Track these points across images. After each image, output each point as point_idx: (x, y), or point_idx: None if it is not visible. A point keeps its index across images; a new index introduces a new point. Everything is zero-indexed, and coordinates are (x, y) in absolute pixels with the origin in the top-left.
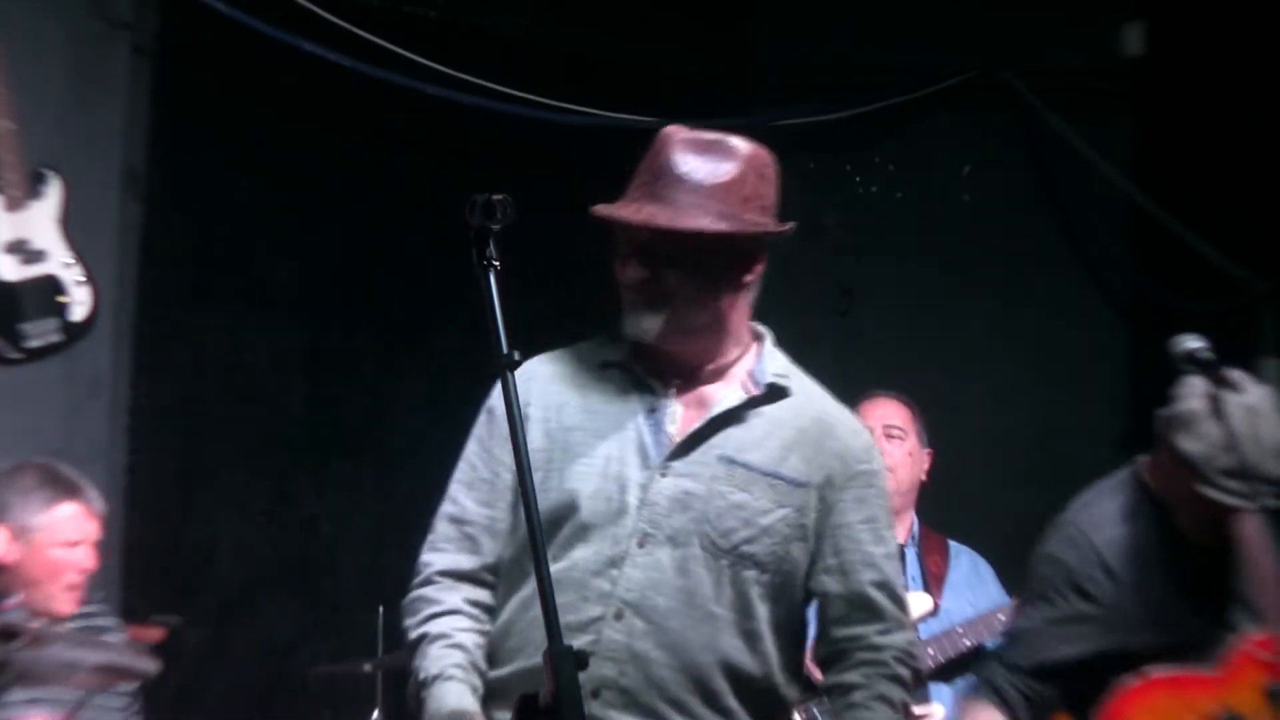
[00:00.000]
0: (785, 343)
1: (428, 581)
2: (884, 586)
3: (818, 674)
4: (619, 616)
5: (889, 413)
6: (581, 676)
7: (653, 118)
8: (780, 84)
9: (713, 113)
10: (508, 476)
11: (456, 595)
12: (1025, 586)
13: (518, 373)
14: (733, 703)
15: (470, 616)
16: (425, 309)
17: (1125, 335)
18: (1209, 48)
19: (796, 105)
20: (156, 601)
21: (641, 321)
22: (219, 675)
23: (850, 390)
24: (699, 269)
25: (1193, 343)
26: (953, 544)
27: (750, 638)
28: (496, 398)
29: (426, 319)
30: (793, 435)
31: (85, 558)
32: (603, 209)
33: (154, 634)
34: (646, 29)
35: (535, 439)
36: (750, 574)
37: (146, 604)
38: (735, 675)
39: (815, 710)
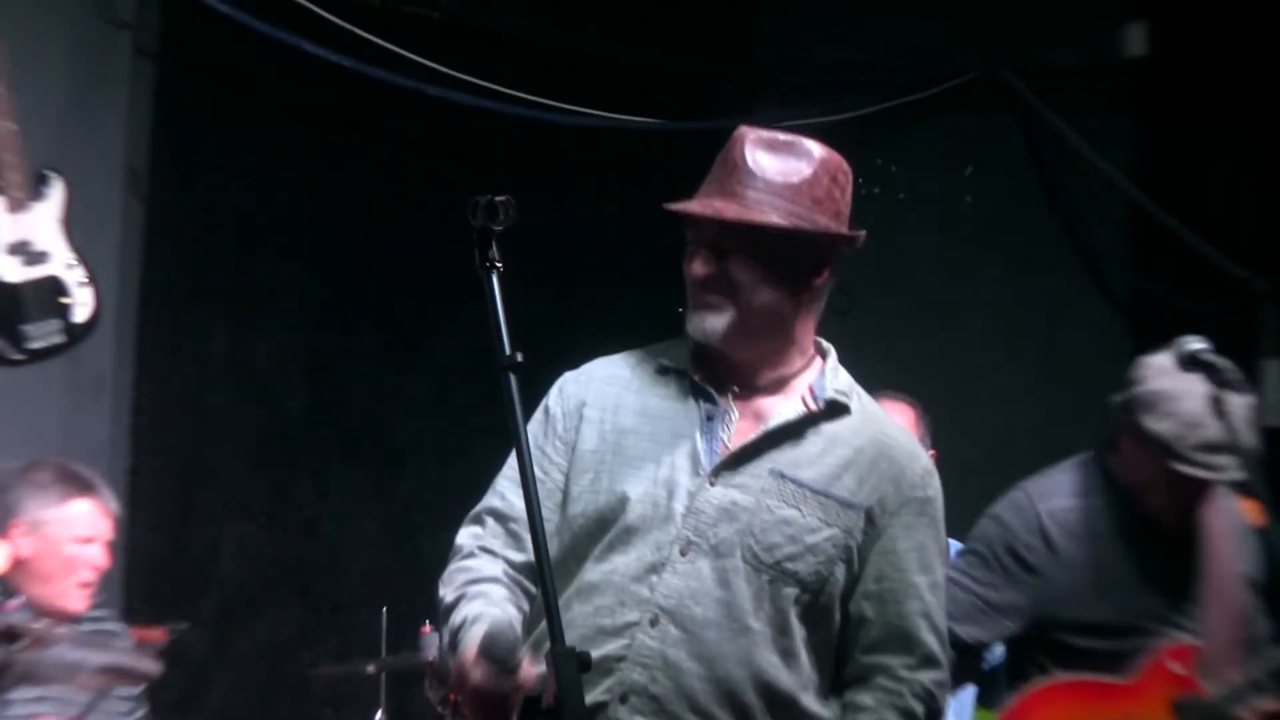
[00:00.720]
0: None
1: (470, 555)
2: (926, 617)
3: None
4: (654, 623)
5: (893, 415)
6: (610, 680)
7: (654, 119)
8: (781, 85)
9: (714, 114)
10: (559, 477)
11: (497, 567)
12: (969, 538)
13: (578, 374)
14: (764, 705)
15: (509, 588)
16: (426, 310)
17: (1126, 335)
18: (1210, 48)
19: (797, 106)
20: (158, 603)
21: (706, 321)
22: (221, 676)
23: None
24: (766, 266)
25: (1194, 343)
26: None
27: (786, 655)
28: (554, 399)
29: (428, 320)
30: (849, 455)
31: (98, 555)
32: (674, 204)
33: (157, 636)
34: (647, 29)
35: (589, 440)
36: (791, 591)
37: (149, 605)
38: (769, 692)
39: None
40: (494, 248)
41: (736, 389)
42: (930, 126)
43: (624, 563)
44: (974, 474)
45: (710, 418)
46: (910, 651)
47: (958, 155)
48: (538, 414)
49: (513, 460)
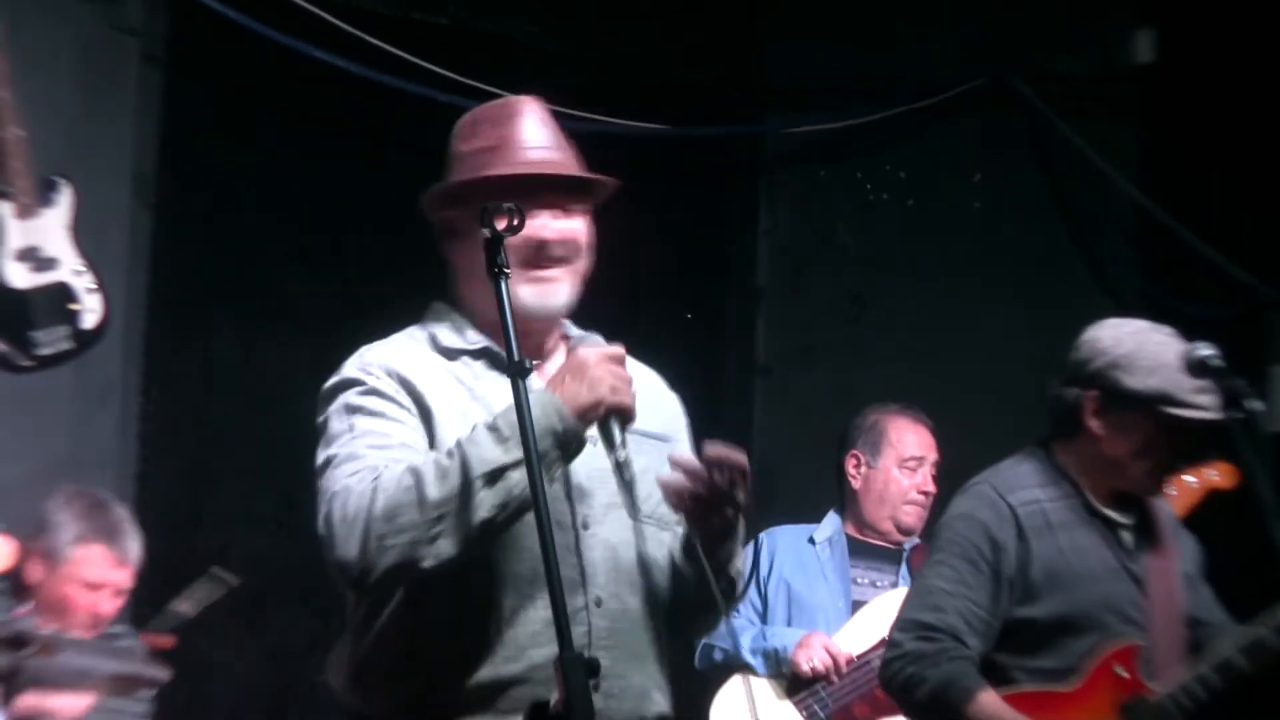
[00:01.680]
0: (796, 349)
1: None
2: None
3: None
4: (599, 603)
5: (911, 431)
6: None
7: (664, 125)
8: (790, 91)
9: (723, 120)
10: (421, 439)
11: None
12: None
13: (371, 356)
14: (670, 668)
15: None
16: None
17: None
18: (1219, 54)
19: (807, 113)
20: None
21: (553, 294)
22: (229, 684)
23: (861, 396)
24: (588, 223)
25: (1202, 350)
26: None
27: (670, 595)
28: (371, 380)
29: None
30: (642, 395)
31: (103, 602)
32: (499, 171)
33: (165, 642)
34: (656, 36)
35: (445, 417)
36: (665, 535)
37: (157, 612)
38: (668, 640)
39: (814, 704)
40: (503, 253)
41: (536, 360)
42: (939, 133)
43: (536, 547)
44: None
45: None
46: None
47: (966, 162)
48: (353, 399)
49: (355, 441)
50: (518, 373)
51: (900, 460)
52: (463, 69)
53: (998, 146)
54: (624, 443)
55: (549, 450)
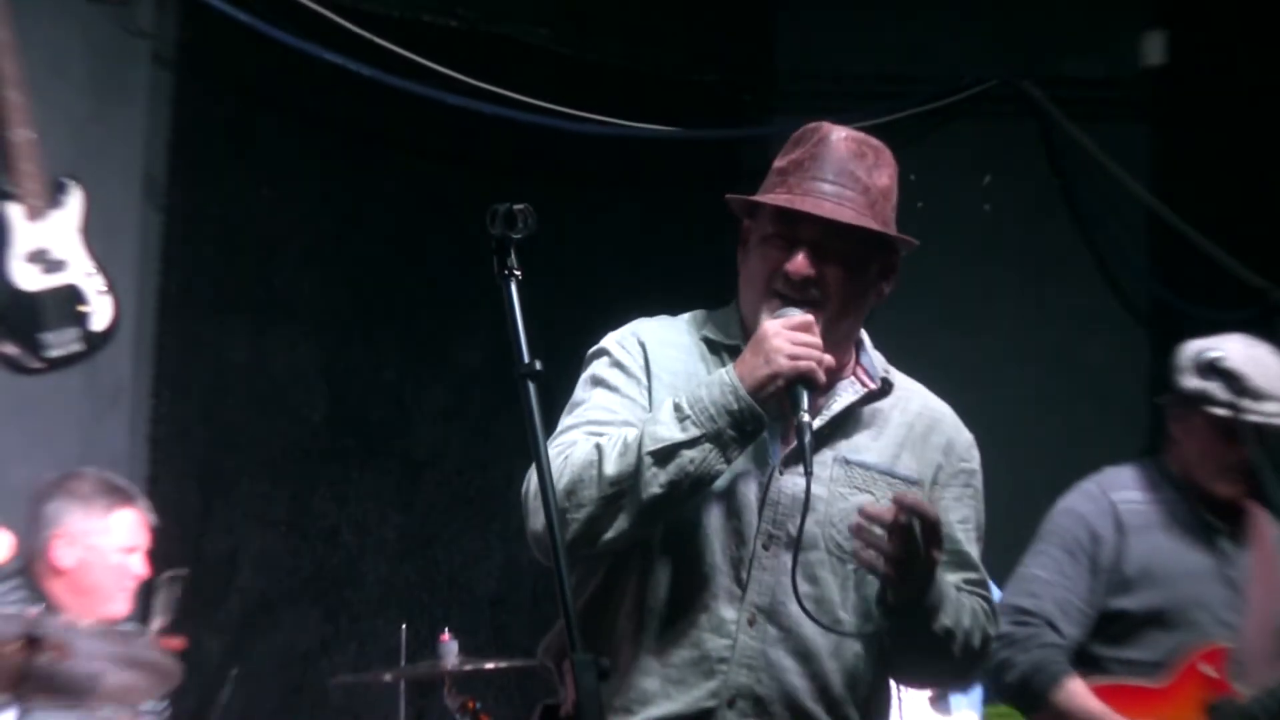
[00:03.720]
0: None
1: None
2: (980, 585)
3: None
4: (752, 622)
5: None
6: (715, 683)
7: (673, 127)
8: (800, 94)
9: (733, 122)
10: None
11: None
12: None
13: (634, 330)
14: (852, 712)
15: None
16: (446, 318)
17: (1144, 344)
18: (1229, 57)
19: (816, 115)
20: (178, 612)
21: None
22: (240, 685)
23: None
24: (857, 273)
25: (1213, 352)
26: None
27: (868, 643)
28: (617, 351)
29: (447, 329)
30: (903, 431)
31: (139, 564)
32: (772, 198)
33: (176, 644)
34: (667, 39)
35: (660, 395)
36: (873, 578)
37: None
38: (854, 683)
39: None
40: (512, 256)
41: (817, 391)
42: (949, 135)
43: (709, 554)
44: (992, 482)
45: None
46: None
47: (977, 164)
48: (602, 370)
49: (586, 414)
50: (527, 376)
51: None
52: (472, 71)
53: (1008, 149)
54: (809, 409)
55: (725, 429)
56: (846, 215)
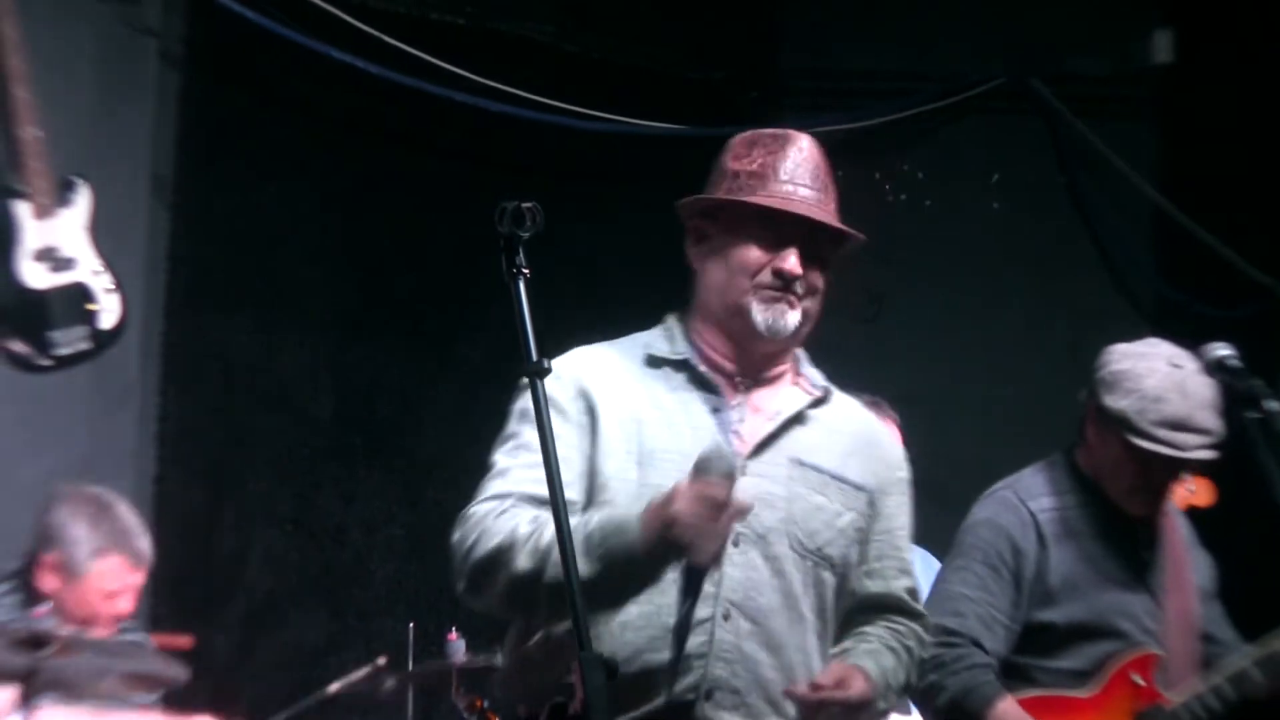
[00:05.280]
0: (814, 349)
1: (488, 499)
2: (914, 593)
3: None
4: (727, 617)
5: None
6: (693, 678)
7: (679, 125)
8: (807, 91)
9: (739, 120)
10: (581, 463)
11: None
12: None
13: (565, 361)
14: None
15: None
16: (454, 317)
17: None
18: (1236, 55)
19: (823, 113)
20: (185, 610)
21: (786, 317)
22: (247, 684)
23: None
24: (826, 268)
25: (1220, 350)
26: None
27: (822, 639)
28: (552, 385)
29: (455, 327)
30: (848, 440)
31: (123, 604)
32: (767, 200)
33: (183, 642)
34: (673, 36)
35: (608, 426)
36: (827, 575)
37: (175, 613)
38: (812, 675)
39: None
40: (520, 254)
41: (747, 380)
42: (957, 133)
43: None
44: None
45: (718, 409)
46: (907, 615)
47: (984, 162)
48: (527, 402)
49: (518, 456)
50: (535, 374)
51: None
52: (479, 69)
53: (1016, 147)
54: (696, 604)
55: (622, 567)
56: (833, 219)
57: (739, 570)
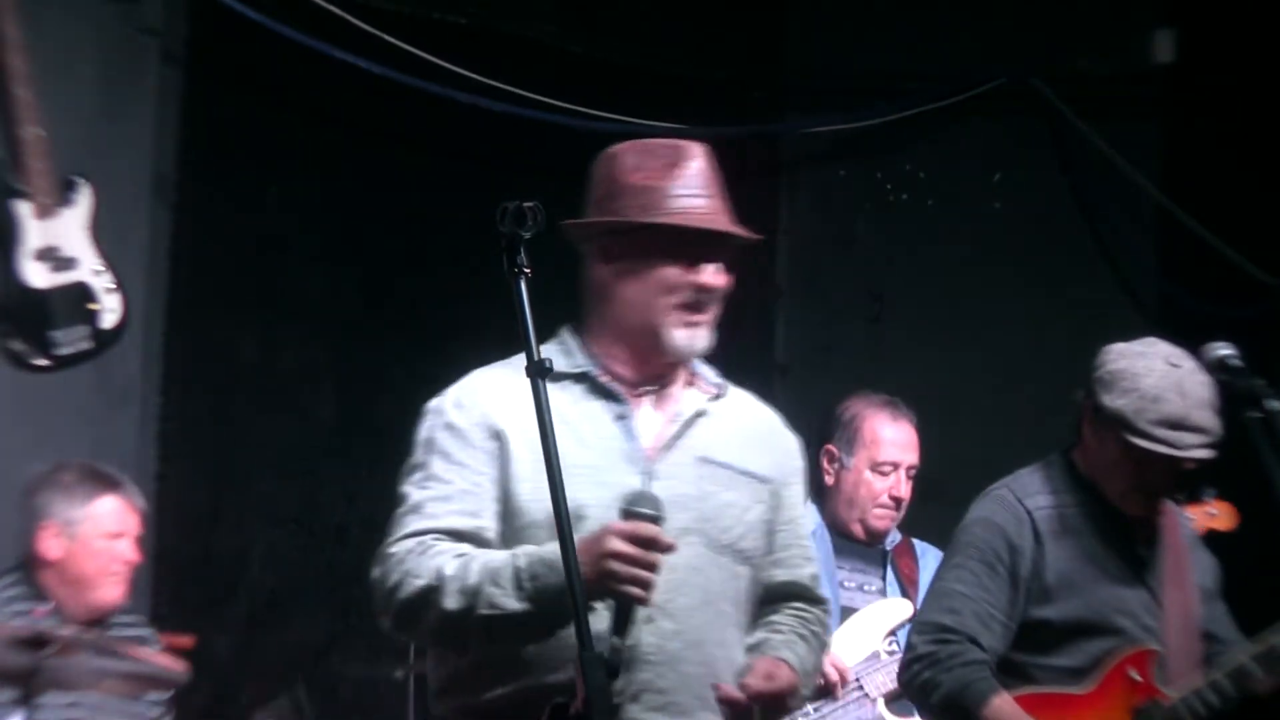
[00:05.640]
0: (817, 349)
1: (407, 537)
2: (817, 579)
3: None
4: (649, 620)
5: (900, 443)
6: (621, 681)
7: (684, 125)
8: (810, 91)
9: (742, 120)
10: (491, 488)
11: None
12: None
13: (465, 388)
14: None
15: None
16: (455, 317)
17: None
18: (1239, 55)
19: (827, 113)
20: (187, 609)
21: (700, 337)
22: (249, 682)
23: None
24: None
25: (1222, 349)
26: (917, 543)
27: (740, 630)
28: (451, 414)
29: (457, 327)
30: (749, 434)
31: (128, 549)
32: (703, 221)
33: (185, 642)
34: (676, 36)
35: (516, 447)
36: (743, 569)
37: (177, 612)
38: (734, 668)
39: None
40: (522, 254)
41: (650, 387)
42: (959, 133)
43: None
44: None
45: (621, 416)
46: (811, 601)
47: (986, 161)
48: (438, 434)
49: (427, 482)
50: (538, 373)
51: (873, 463)
52: (482, 69)
53: (1018, 146)
54: (628, 633)
55: (553, 603)
56: (744, 229)
57: (660, 574)
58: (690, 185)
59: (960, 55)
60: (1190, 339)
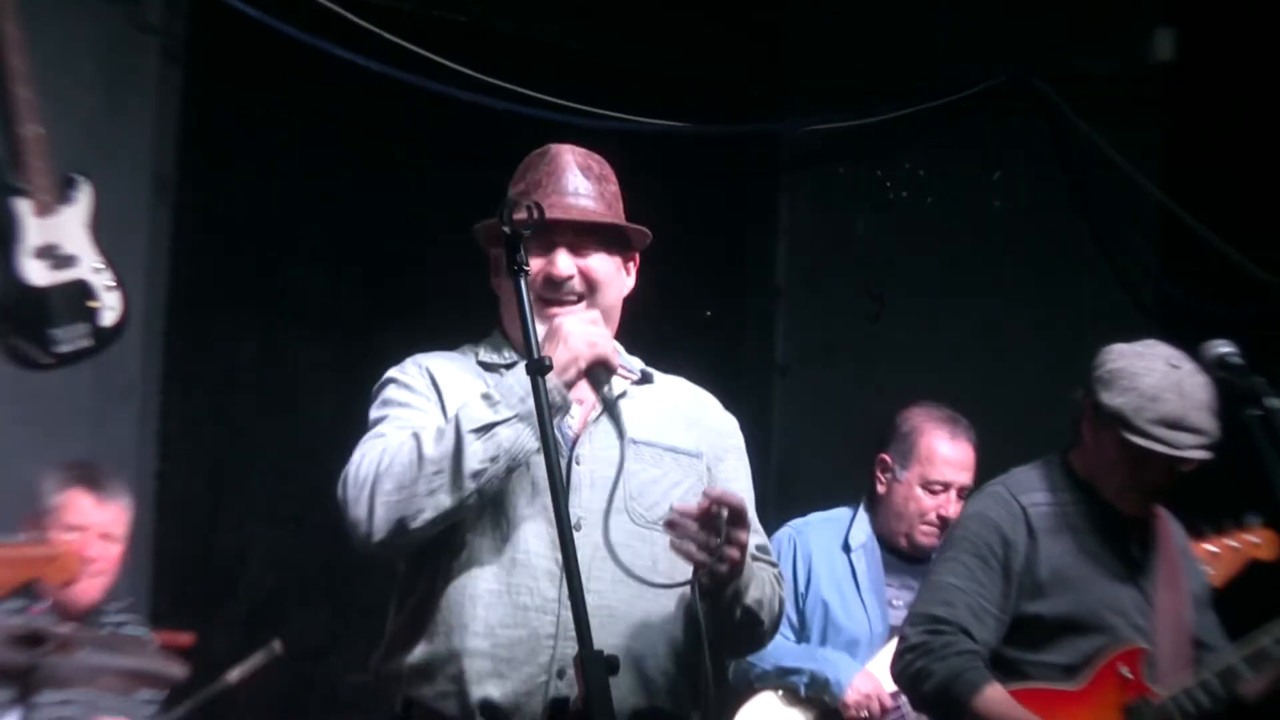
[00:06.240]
0: (816, 347)
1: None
2: (766, 550)
3: None
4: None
5: (955, 461)
6: (546, 658)
7: (684, 123)
8: (809, 90)
9: (742, 118)
10: (439, 416)
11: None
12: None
13: (411, 361)
14: (670, 666)
15: None
16: (456, 314)
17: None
18: (1239, 54)
19: (825, 111)
20: (186, 608)
21: None
22: (247, 683)
23: (881, 395)
24: (611, 265)
25: (1222, 347)
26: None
27: (672, 606)
28: (402, 376)
29: (457, 325)
30: (675, 414)
31: (88, 545)
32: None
33: (183, 640)
34: (676, 35)
35: (453, 407)
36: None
37: (176, 610)
38: (673, 639)
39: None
40: (521, 251)
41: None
42: (959, 131)
43: (529, 542)
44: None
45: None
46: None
47: (986, 160)
48: (391, 390)
49: (396, 419)
50: (537, 370)
51: (925, 480)
52: (482, 66)
53: (1017, 145)
54: (610, 389)
55: (524, 403)
56: (592, 213)
57: (582, 551)
58: (549, 183)
59: (960, 54)
60: (1190, 338)
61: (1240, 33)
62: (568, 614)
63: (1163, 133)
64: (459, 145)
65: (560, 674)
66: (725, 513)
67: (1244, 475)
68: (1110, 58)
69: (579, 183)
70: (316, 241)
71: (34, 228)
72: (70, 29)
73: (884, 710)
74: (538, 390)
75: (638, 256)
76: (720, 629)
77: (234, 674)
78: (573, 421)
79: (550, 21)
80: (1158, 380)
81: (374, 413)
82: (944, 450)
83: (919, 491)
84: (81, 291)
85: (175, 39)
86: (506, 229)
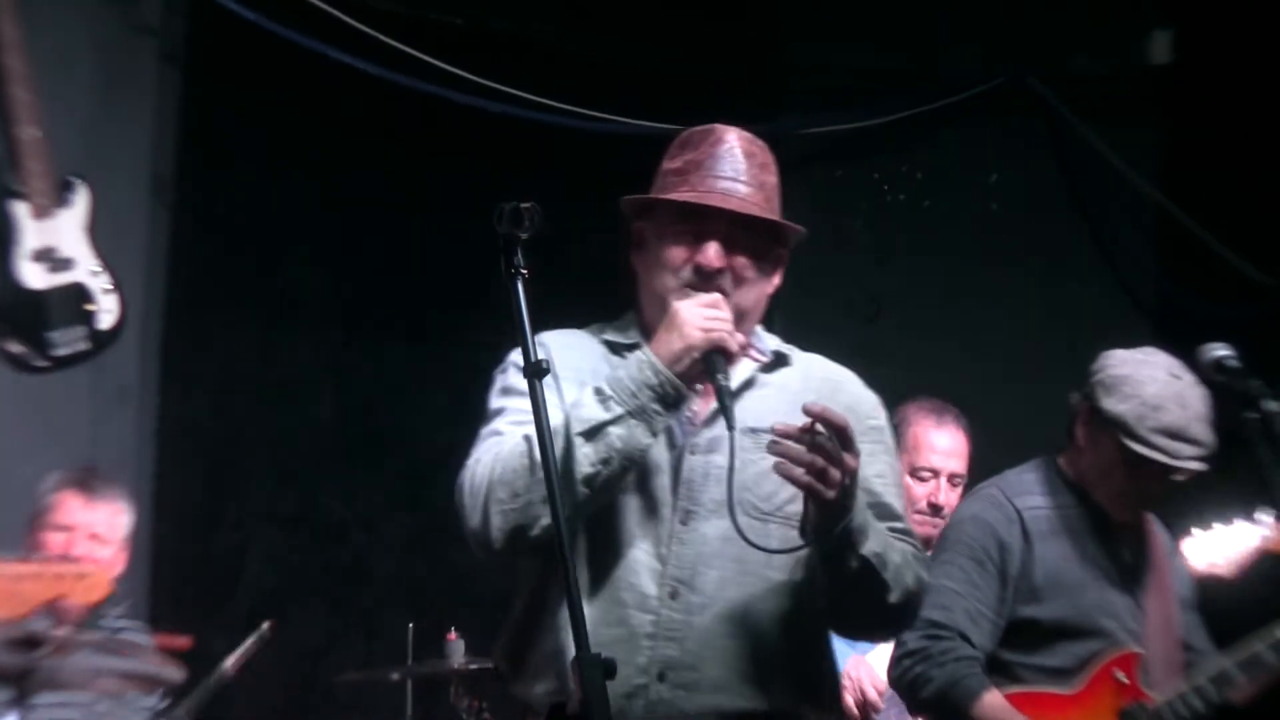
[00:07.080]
0: (814, 350)
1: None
2: (906, 534)
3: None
4: (674, 595)
5: (944, 449)
6: (645, 659)
7: (680, 125)
8: (808, 91)
9: (739, 120)
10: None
11: None
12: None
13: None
14: (786, 665)
15: None
16: (453, 317)
17: (1153, 343)
18: (1236, 55)
19: (822, 112)
20: (185, 609)
21: None
22: (247, 682)
23: (879, 397)
24: (761, 263)
25: (1219, 350)
26: None
27: (796, 600)
28: (519, 354)
29: (454, 327)
30: (806, 396)
31: (75, 544)
32: (685, 196)
33: (181, 642)
34: (672, 36)
35: (567, 387)
36: (791, 533)
37: (175, 612)
38: (791, 636)
39: None
40: (519, 254)
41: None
42: (956, 133)
43: (630, 539)
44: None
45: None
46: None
47: (983, 162)
48: (510, 378)
49: (500, 418)
50: (534, 374)
51: (913, 468)
52: (479, 69)
53: (1015, 147)
54: (727, 375)
55: (648, 404)
56: (754, 208)
57: (688, 548)
58: (709, 167)
59: (958, 55)
60: (1189, 339)
61: (1238, 33)
62: (668, 612)
63: (1161, 134)
64: (456, 147)
65: (661, 676)
66: (825, 428)
67: (1242, 478)
68: (1108, 59)
69: (740, 170)
70: (314, 243)
71: (31, 230)
72: (68, 30)
73: (869, 704)
74: (535, 395)
75: (787, 255)
76: (837, 586)
77: (229, 662)
78: (693, 411)
79: (547, 23)
80: (1160, 389)
81: (494, 401)
82: (930, 437)
83: (908, 480)
84: (79, 294)
85: (173, 40)
86: (501, 231)
